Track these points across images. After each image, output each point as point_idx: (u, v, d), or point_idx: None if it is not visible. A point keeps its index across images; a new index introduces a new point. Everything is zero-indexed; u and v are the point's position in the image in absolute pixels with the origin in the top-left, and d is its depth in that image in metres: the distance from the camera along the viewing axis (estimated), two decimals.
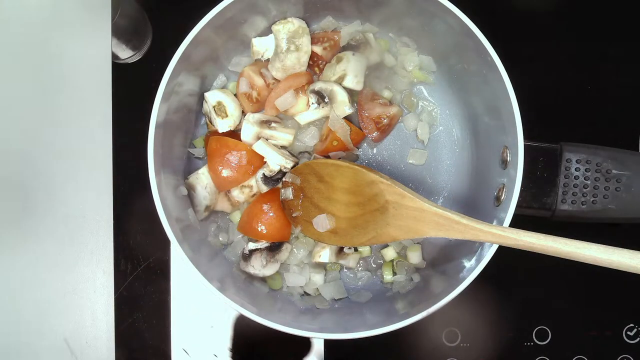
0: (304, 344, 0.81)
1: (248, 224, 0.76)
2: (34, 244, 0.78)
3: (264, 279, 0.78)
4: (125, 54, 0.83)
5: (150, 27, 0.84)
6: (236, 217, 0.79)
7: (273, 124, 0.77)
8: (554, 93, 0.85)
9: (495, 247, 0.65)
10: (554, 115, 0.84)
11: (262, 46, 0.78)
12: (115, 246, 0.78)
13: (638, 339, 0.81)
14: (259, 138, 0.76)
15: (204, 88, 0.79)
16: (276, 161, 0.74)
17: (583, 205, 0.72)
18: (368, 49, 0.78)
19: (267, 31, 0.78)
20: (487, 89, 0.71)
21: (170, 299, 0.82)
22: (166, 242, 0.66)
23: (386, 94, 0.80)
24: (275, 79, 0.78)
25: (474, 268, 0.66)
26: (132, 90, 0.80)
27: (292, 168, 0.75)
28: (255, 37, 0.78)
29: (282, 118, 0.79)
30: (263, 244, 0.76)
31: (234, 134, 0.77)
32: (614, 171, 0.72)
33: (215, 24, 0.69)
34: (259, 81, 0.77)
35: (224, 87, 0.80)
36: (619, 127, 0.84)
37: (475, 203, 0.77)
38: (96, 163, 0.78)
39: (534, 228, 0.60)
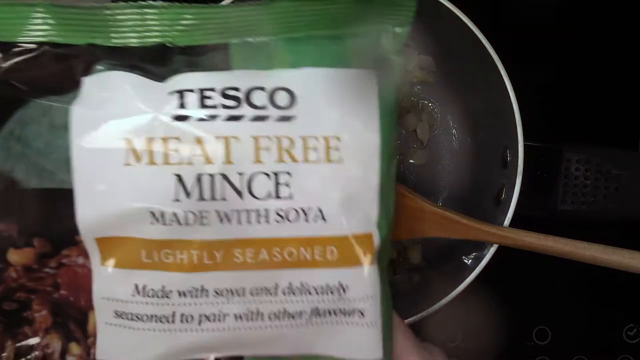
0: None
1: None
2: None
3: None
4: None
5: None
6: None
7: None
8: (554, 93, 0.85)
9: (495, 247, 0.65)
10: (554, 115, 0.84)
11: None
12: None
13: (638, 339, 0.81)
14: None
15: None
16: None
17: (583, 205, 0.72)
18: None
19: None
20: (487, 89, 0.71)
21: None
22: None
23: None
24: None
25: (474, 268, 0.66)
26: None
27: None
28: None
29: None
30: None
31: None
32: (614, 171, 0.72)
33: None
34: None
35: None
36: (619, 127, 0.84)
37: (475, 203, 0.77)
38: None
39: (534, 228, 0.60)
